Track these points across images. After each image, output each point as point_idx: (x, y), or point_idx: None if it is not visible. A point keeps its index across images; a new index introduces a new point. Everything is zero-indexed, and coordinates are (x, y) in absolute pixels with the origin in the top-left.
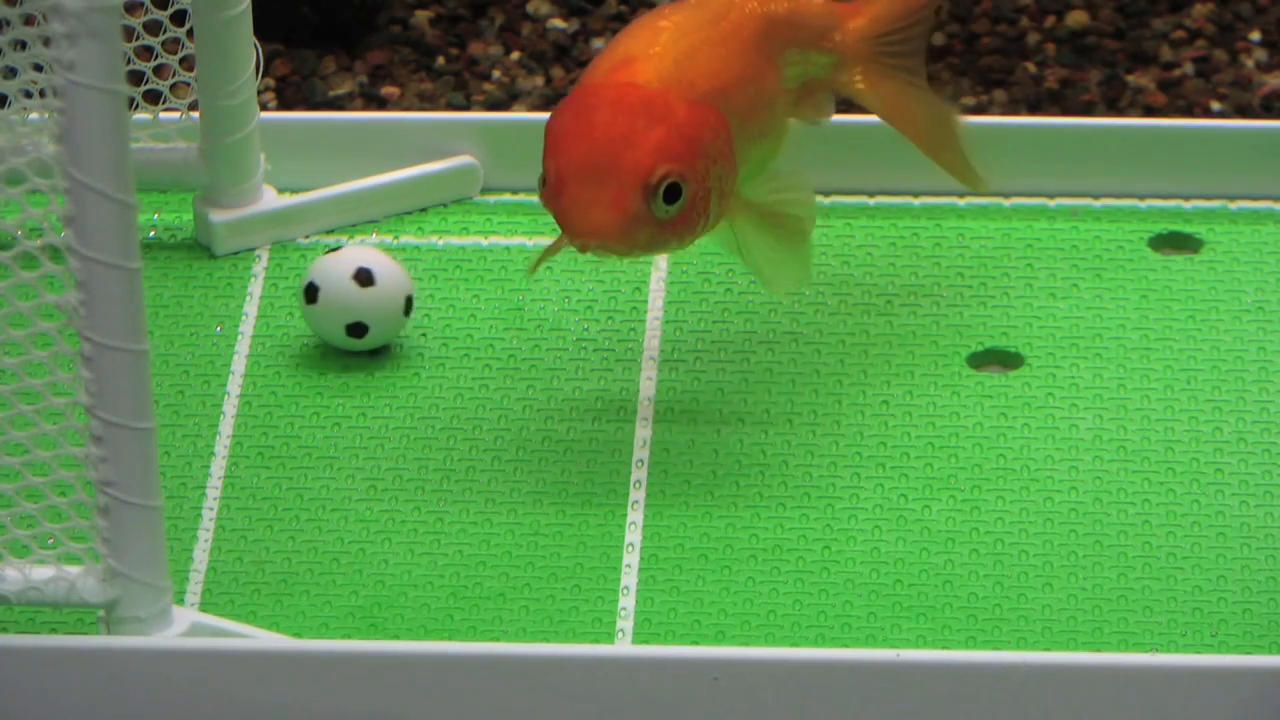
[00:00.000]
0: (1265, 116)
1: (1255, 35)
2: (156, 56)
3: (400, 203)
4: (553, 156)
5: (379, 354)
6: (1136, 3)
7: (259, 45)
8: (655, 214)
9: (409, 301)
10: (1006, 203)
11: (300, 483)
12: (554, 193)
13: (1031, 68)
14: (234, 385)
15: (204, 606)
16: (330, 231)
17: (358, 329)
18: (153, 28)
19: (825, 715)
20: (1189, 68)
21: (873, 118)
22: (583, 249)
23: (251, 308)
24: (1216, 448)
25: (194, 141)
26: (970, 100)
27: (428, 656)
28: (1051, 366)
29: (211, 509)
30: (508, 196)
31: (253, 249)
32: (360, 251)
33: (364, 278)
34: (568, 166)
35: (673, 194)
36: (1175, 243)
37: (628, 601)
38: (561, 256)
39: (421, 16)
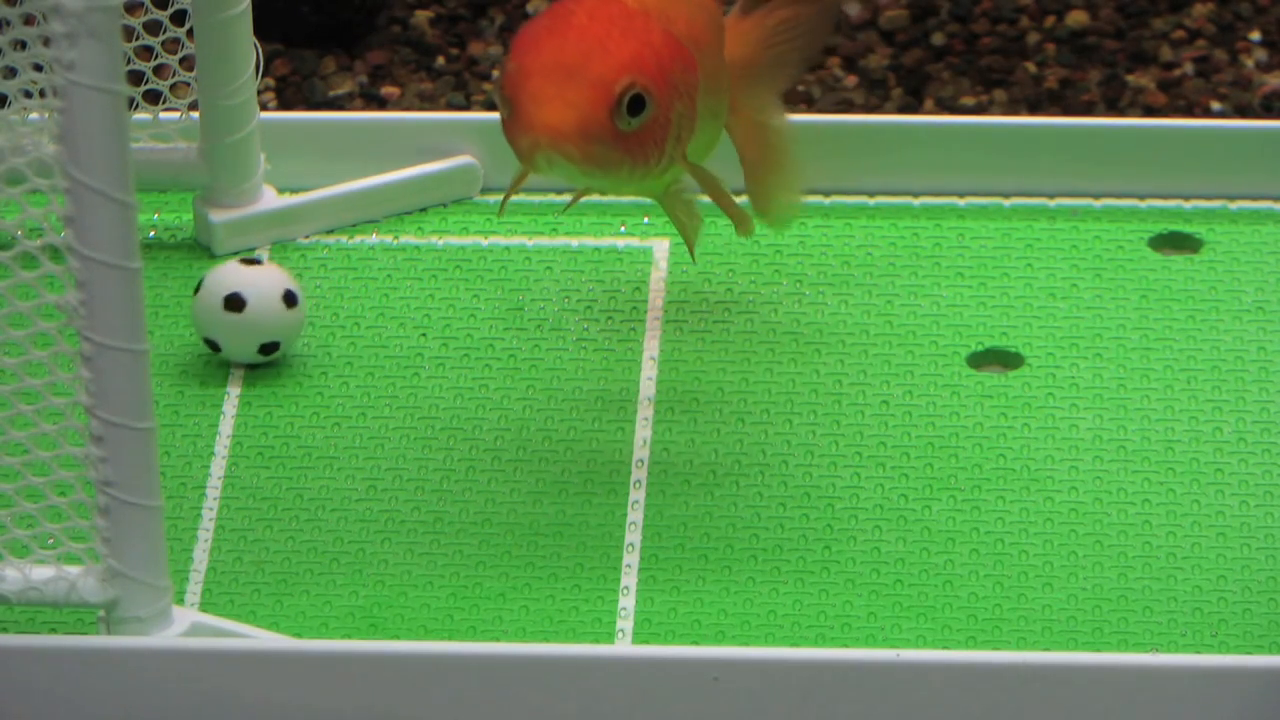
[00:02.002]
0: (1265, 116)
1: (1255, 35)
2: (156, 56)
3: (400, 203)
4: (519, 53)
5: (378, 354)
6: (1136, 3)
7: (259, 45)
8: (617, 124)
9: (290, 295)
10: (1006, 203)
11: (300, 483)
12: (513, 85)
13: (1031, 68)
14: (234, 385)
15: (204, 606)
16: (330, 231)
17: (271, 347)
18: (153, 28)
19: (825, 715)
20: (1189, 68)
21: (873, 118)
22: (532, 151)
23: None
24: (1216, 448)
25: (194, 141)
26: (970, 100)
27: (428, 656)
28: (1051, 366)
29: (211, 509)
30: None
31: (253, 249)
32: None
33: (290, 299)
34: (533, 63)
35: (636, 106)
36: (1175, 243)
37: (628, 601)
38: (562, 257)
39: (421, 16)
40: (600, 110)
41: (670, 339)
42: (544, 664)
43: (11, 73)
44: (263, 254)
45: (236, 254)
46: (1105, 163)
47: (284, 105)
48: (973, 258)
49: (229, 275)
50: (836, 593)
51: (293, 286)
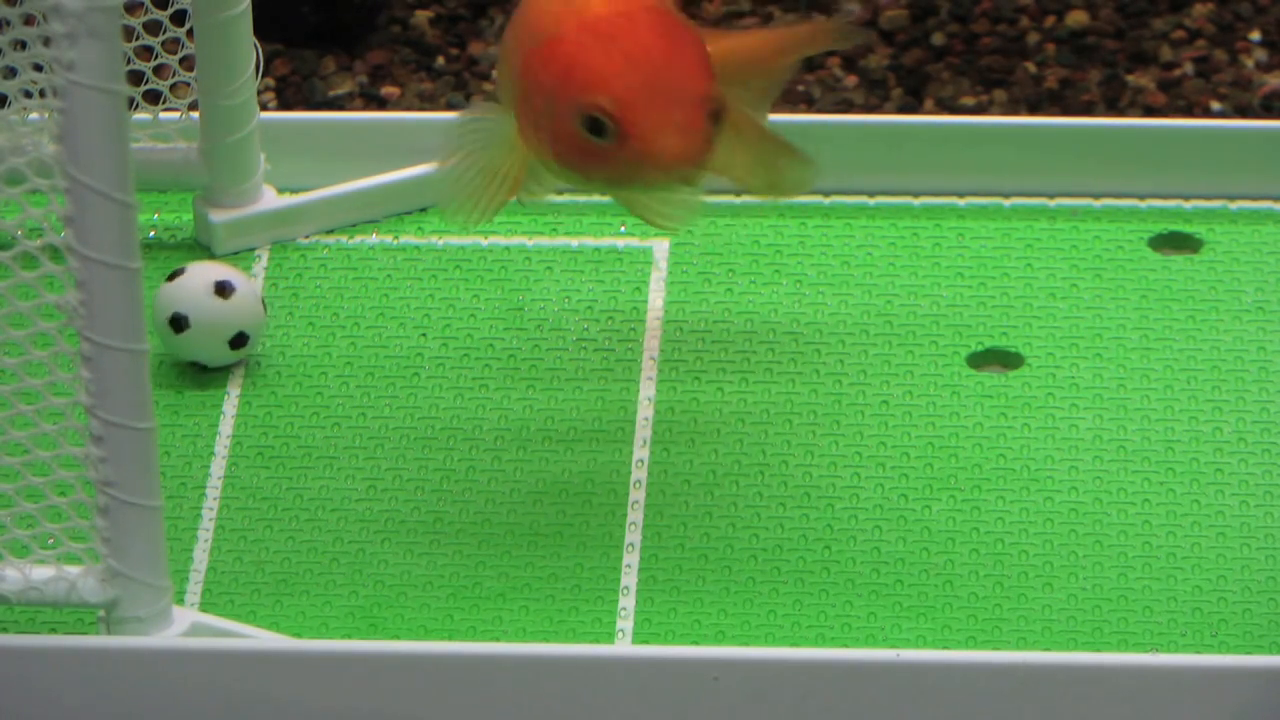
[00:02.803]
0: (1265, 116)
1: (1255, 35)
2: (156, 56)
3: (400, 203)
4: (606, 87)
5: (378, 354)
6: (1136, 3)
7: (259, 45)
8: (713, 138)
9: (220, 286)
10: (1006, 203)
11: (300, 483)
12: (625, 122)
13: (1031, 68)
14: (234, 385)
15: (204, 606)
16: (330, 231)
17: (240, 339)
18: (153, 28)
19: (825, 715)
20: (1189, 68)
21: (873, 118)
22: (653, 180)
23: None
24: (1216, 448)
25: (194, 141)
26: (970, 100)
27: (428, 656)
28: (1051, 366)
29: (211, 509)
30: None
31: (253, 249)
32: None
33: (224, 289)
34: (635, 90)
35: (719, 116)
36: (1175, 243)
37: (628, 601)
38: (562, 258)
39: (421, 16)
40: (708, 129)
41: (670, 339)
42: (544, 664)
43: (11, 73)
44: (262, 253)
45: (235, 254)
46: (1105, 163)
47: (284, 105)
48: (973, 258)
49: (162, 300)
50: (836, 593)
51: (224, 276)
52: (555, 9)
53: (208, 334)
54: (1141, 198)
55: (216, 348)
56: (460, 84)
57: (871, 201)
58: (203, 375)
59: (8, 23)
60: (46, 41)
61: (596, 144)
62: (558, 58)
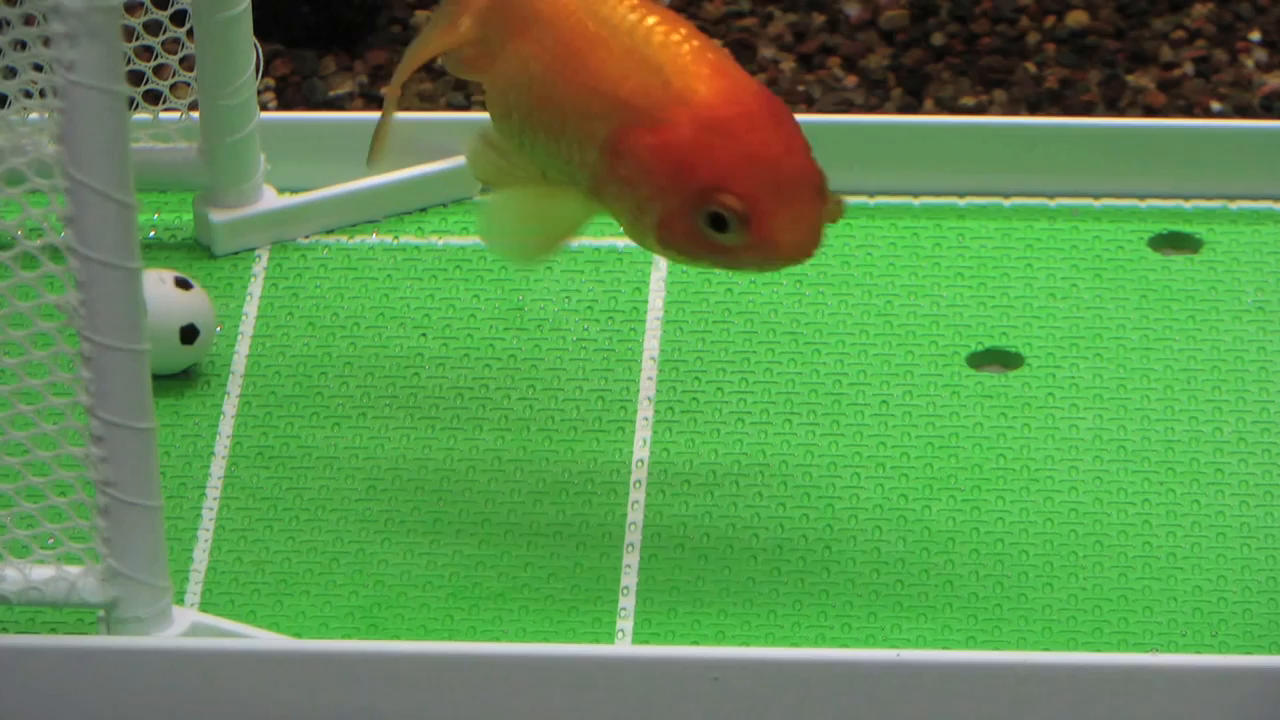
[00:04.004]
0: (1265, 116)
1: (1255, 35)
2: (156, 56)
3: (400, 203)
4: (732, 186)
5: (378, 354)
6: (1136, 3)
7: (259, 45)
8: None
9: (180, 280)
10: (1006, 203)
11: (300, 483)
12: (752, 222)
13: (1031, 68)
14: (234, 385)
15: (204, 606)
16: (330, 231)
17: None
18: (153, 28)
19: (825, 715)
20: (1189, 68)
21: (873, 118)
22: (783, 265)
23: (251, 308)
24: (1216, 448)
25: (194, 141)
26: (970, 100)
27: (428, 656)
28: (1051, 366)
29: (211, 509)
30: None
31: (253, 249)
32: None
33: (183, 282)
34: (757, 191)
35: (826, 195)
36: (1175, 243)
37: (628, 601)
38: (562, 258)
39: (421, 16)
40: (822, 215)
41: (670, 339)
42: (544, 664)
43: (11, 73)
44: (262, 253)
45: (235, 254)
46: (1105, 163)
47: (284, 105)
48: (973, 258)
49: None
50: (836, 593)
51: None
52: (643, 82)
53: (159, 327)
54: (1141, 198)
55: (168, 342)
56: (460, 84)
57: (871, 201)
58: (203, 375)
59: (8, 23)
60: (46, 41)
61: (716, 238)
62: (671, 149)
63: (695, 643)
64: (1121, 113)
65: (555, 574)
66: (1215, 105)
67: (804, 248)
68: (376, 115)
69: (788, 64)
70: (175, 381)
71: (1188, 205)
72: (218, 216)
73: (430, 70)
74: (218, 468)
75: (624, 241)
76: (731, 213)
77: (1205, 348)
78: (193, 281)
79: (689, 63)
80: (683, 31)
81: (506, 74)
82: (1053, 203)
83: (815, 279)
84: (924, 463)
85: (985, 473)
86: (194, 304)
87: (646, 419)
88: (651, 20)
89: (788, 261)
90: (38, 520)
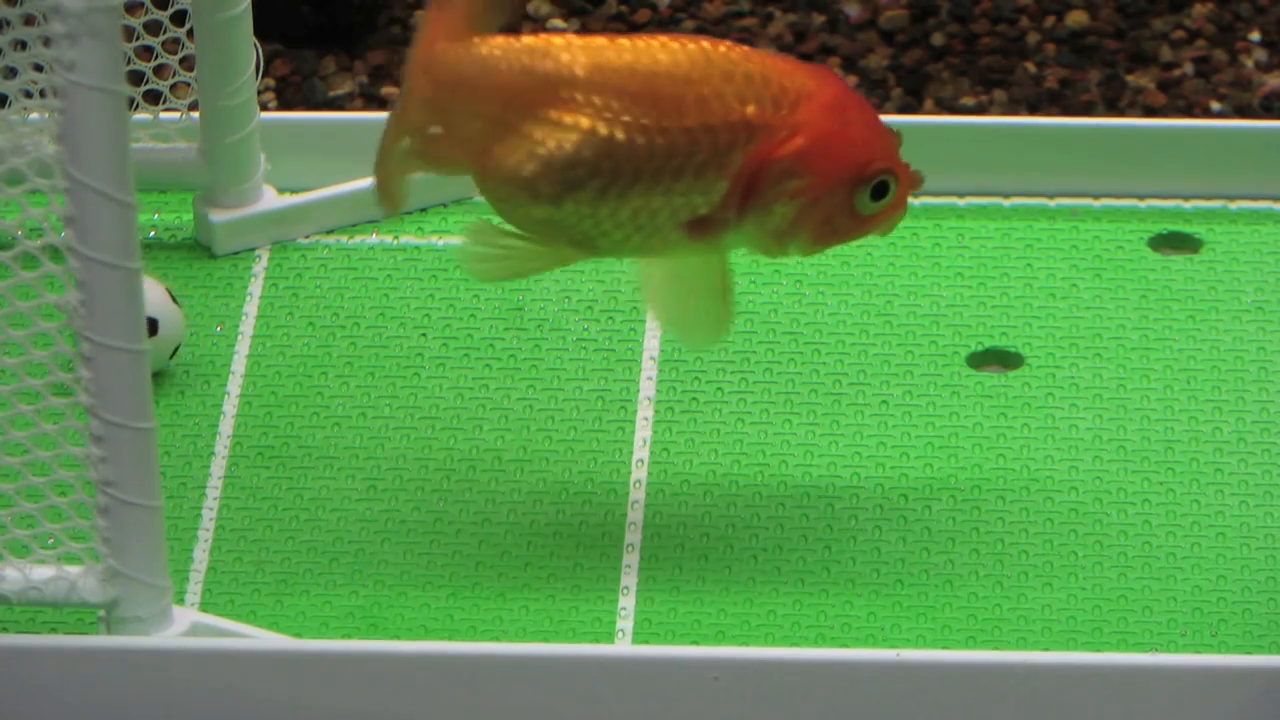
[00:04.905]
0: (1265, 116)
1: (1255, 35)
2: (156, 56)
3: None
4: (879, 149)
5: (378, 354)
6: (1136, 3)
7: (259, 45)
8: None
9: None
10: (1006, 203)
11: (300, 483)
12: (900, 174)
13: (1031, 68)
14: (234, 385)
15: (204, 606)
16: (330, 231)
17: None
18: (153, 28)
19: (825, 715)
20: (1189, 68)
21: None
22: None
23: (251, 308)
24: (1216, 448)
25: (194, 141)
26: (970, 100)
27: (428, 656)
28: (1051, 366)
29: (211, 509)
30: None
31: (253, 249)
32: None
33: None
34: (892, 150)
35: None
36: (1175, 243)
37: (628, 601)
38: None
39: (421, 16)
40: None
41: (670, 339)
42: (544, 664)
43: (11, 73)
44: (262, 253)
45: (235, 254)
46: (1105, 163)
47: (284, 105)
48: (973, 258)
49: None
50: (836, 593)
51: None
52: (748, 97)
53: None
54: (1141, 198)
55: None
56: None
57: None
58: (203, 375)
59: (8, 23)
60: (47, 41)
61: (874, 207)
62: (824, 144)
63: (695, 643)
64: (1121, 113)
65: (555, 574)
66: (1215, 105)
67: (919, 187)
68: (376, 115)
69: None
70: (175, 381)
71: (1187, 205)
72: (218, 216)
73: None
74: (218, 468)
75: None
76: (892, 177)
77: (1205, 348)
78: (153, 278)
79: (762, 65)
80: (705, 41)
81: (539, 154)
82: (1053, 203)
83: (815, 279)
84: (924, 463)
85: (985, 473)
86: (151, 296)
87: (646, 419)
88: (666, 41)
89: (906, 205)
90: (38, 520)
